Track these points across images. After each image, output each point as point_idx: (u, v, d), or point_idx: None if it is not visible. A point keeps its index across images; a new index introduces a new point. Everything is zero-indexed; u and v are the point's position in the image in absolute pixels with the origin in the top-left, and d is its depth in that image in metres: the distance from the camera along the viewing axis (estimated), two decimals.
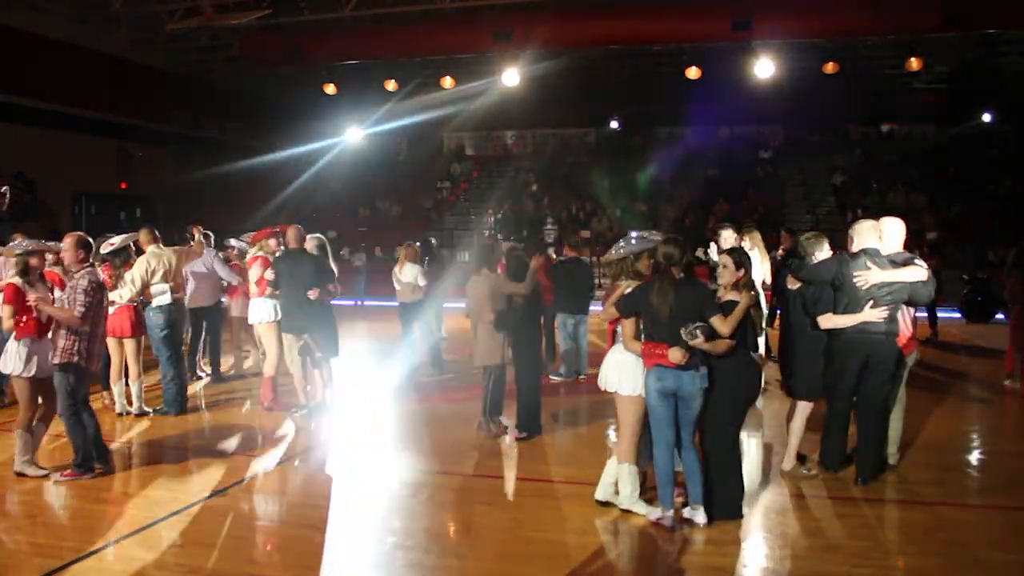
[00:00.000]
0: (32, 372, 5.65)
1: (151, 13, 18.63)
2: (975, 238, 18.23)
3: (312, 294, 7.23)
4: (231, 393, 8.82)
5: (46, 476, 5.65)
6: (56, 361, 5.52)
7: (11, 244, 6.08)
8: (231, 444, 6.90)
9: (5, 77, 17.39)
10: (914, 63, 17.72)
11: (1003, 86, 21.21)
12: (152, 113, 22.33)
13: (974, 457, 6.58)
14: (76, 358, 5.53)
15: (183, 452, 6.44)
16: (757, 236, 8.40)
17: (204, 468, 6.00)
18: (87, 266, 5.69)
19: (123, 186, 22.84)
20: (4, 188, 8.42)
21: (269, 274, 7.60)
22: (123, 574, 4.25)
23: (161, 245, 7.88)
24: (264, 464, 6.18)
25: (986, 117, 22.59)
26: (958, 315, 14.63)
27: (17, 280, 5.81)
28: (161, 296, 7.59)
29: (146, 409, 7.62)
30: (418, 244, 10.49)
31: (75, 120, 20.04)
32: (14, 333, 5.71)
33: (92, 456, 5.70)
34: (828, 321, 5.39)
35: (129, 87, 20.80)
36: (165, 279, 7.60)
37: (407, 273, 9.70)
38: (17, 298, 5.72)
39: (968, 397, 8.64)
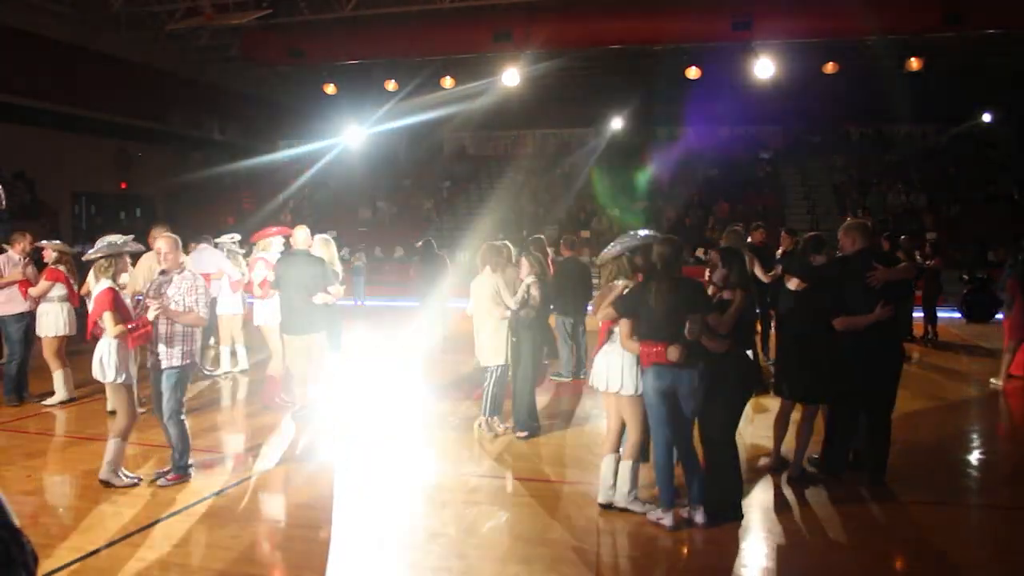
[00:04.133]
0: (133, 379, 5.54)
1: (151, 13, 18.64)
2: (975, 238, 18.23)
3: (318, 299, 7.15)
4: (228, 393, 8.82)
5: (134, 485, 5.53)
6: (176, 364, 5.46)
7: (97, 245, 5.72)
8: (231, 444, 6.90)
9: (5, 77, 17.39)
10: (914, 63, 17.71)
11: (1003, 86, 21.20)
12: (152, 113, 22.32)
13: (974, 457, 6.58)
14: (193, 358, 5.58)
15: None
16: (735, 236, 8.31)
17: (204, 468, 5.99)
18: (184, 268, 5.65)
19: (123, 186, 22.85)
20: None
21: (271, 275, 7.59)
22: (123, 574, 4.25)
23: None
24: (264, 464, 6.18)
25: (986, 117, 22.59)
26: (958, 315, 14.63)
27: (112, 284, 5.55)
28: None
29: (142, 410, 7.61)
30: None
31: (75, 120, 20.03)
32: (112, 341, 5.41)
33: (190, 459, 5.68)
34: (845, 323, 5.28)
35: (129, 87, 20.78)
36: None
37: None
38: (117, 303, 5.45)
39: (968, 397, 8.64)
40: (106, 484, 5.49)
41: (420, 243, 13.80)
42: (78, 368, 8.39)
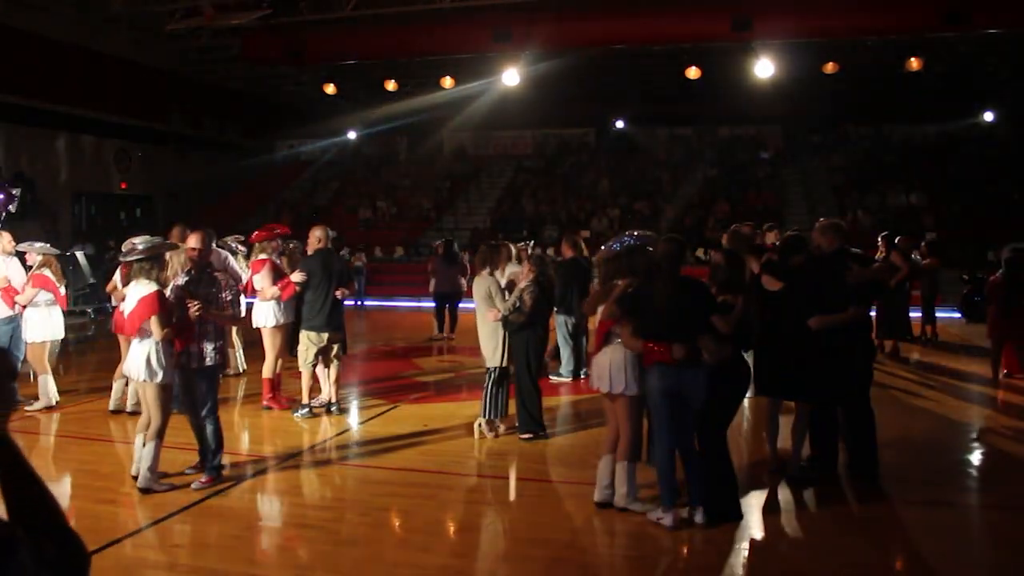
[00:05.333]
0: (172, 378, 5.46)
1: (151, 13, 18.64)
2: (975, 238, 18.23)
3: (339, 293, 7.41)
4: (227, 392, 8.81)
5: (171, 489, 5.45)
6: (208, 363, 5.44)
7: (135, 247, 5.63)
8: (231, 444, 6.89)
9: (5, 77, 17.39)
10: (914, 63, 17.72)
11: (1003, 86, 21.21)
12: (152, 113, 22.33)
13: (973, 457, 6.58)
14: (226, 356, 5.60)
15: (183, 452, 6.43)
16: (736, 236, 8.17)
17: None
18: (214, 265, 5.63)
19: (123, 186, 22.86)
20: (16, 190, 8.43)
21: (298, 276, 7.54)
22: (123, 574, 4.25)
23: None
24: (264, 464, 6.18)
25: (986, 117, 22.58)
26: (958, 315, 14.64)
27: (157, 286, 5.39)
28: None
29: (141, 409, 7.60)
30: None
31: (75, 120, 20.04)
32: (154, 341, 5.28)
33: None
34: (820, 322, 5.30)
35: (129, 87, 20.80)
36: None
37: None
38: (164, 305, 5.31)
39: (967, 397, 8.64)
40: (146, 492, 5.32)
41: (440, 242, 13.80)
42: (81, 370, 8.42)
